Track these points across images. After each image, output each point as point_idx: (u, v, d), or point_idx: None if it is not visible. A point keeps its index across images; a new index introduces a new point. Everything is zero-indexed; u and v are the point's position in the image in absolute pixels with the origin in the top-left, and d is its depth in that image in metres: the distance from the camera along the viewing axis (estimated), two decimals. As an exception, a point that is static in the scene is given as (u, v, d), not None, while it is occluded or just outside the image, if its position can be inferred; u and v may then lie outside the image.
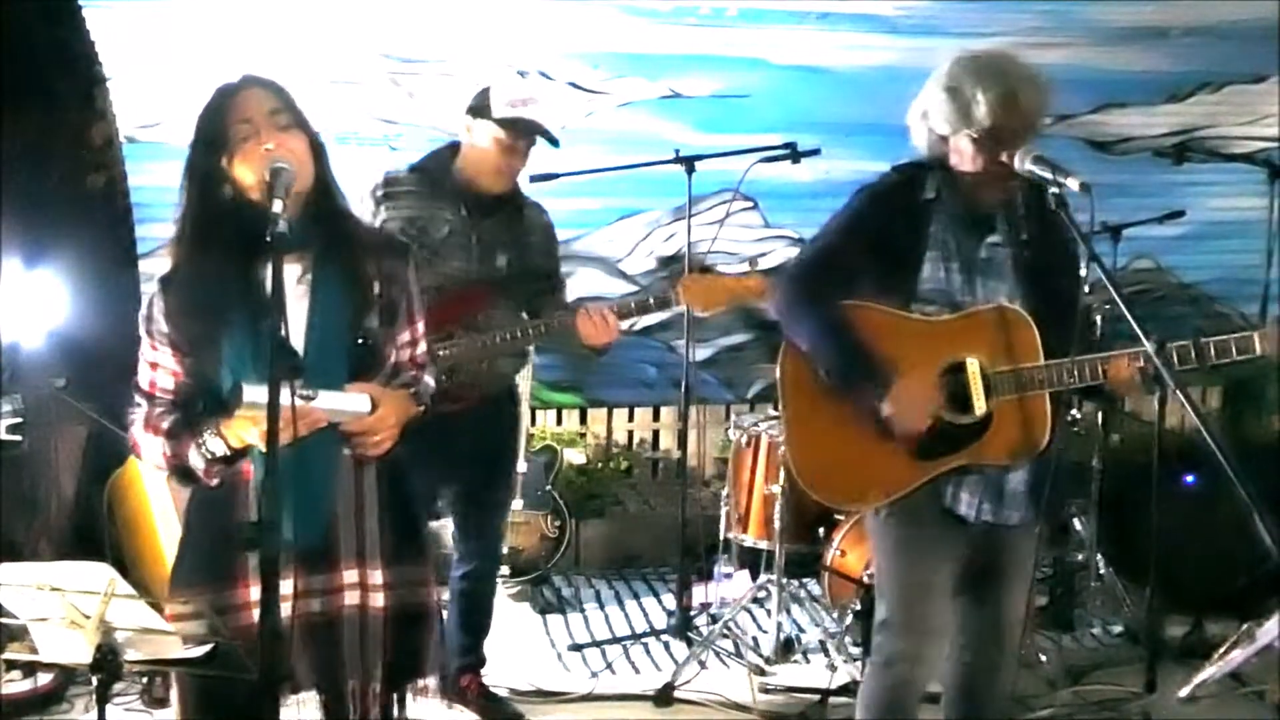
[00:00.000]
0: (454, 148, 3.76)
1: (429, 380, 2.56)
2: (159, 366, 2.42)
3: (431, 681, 2.55)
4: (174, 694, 2.47)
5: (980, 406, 2.83)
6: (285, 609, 2.33)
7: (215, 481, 2.39)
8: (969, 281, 2.86)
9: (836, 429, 2.91)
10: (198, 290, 2.36)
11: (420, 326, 2.56)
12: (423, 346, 2.58)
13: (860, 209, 2.94)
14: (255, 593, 2.19)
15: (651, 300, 3.81)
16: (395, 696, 2.51)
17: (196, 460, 2.36)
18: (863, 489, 2.96)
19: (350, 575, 2.43)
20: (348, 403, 2.30)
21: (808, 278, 2.96)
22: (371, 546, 2.45)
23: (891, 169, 2.97)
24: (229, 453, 2.34)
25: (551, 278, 3.91)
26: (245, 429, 2.29)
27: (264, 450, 2.19)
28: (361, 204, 3.57)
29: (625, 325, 3.83)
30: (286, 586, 2.33)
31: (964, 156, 2.82)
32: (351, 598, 2.43)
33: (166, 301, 2.38)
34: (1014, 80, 2.73)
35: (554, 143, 3.74)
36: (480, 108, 3.66)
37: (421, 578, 2.53)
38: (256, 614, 2.13)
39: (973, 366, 2.83)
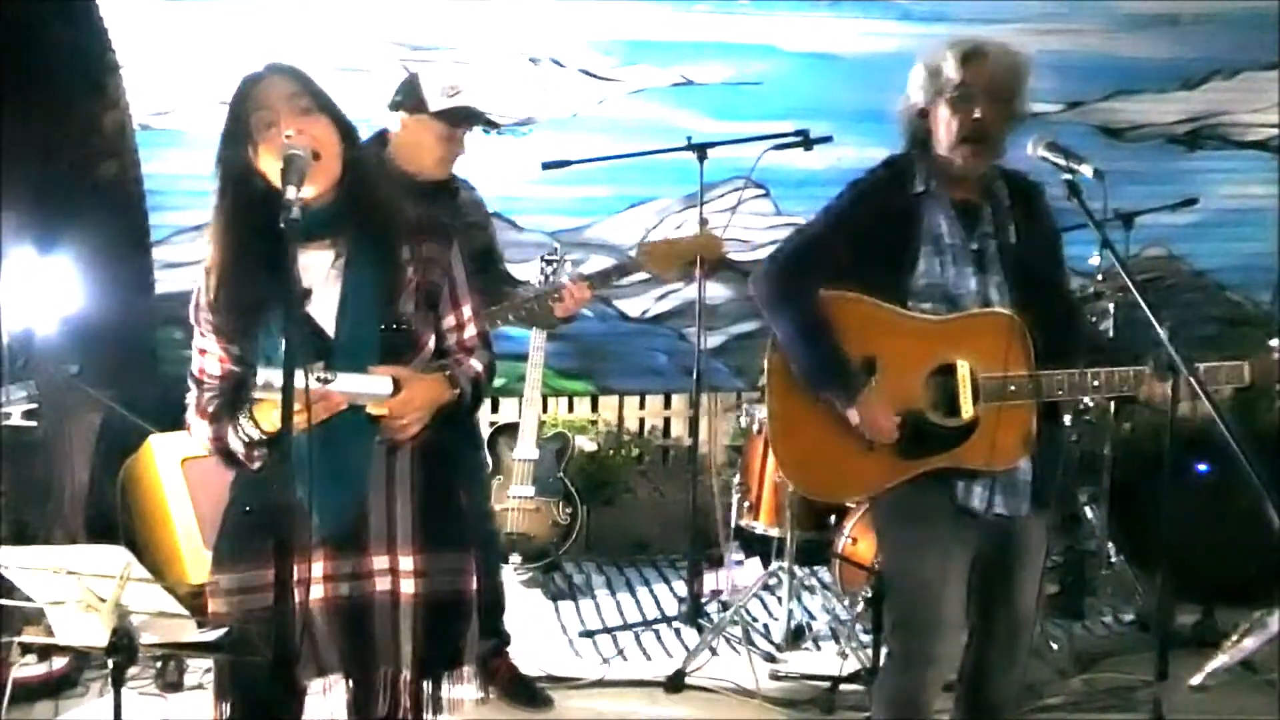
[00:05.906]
0: (381, 137, 3.70)
1: (475, 364, 2.52)
2: (206, 353, 2.46)
3: (468, 670, 2.53)
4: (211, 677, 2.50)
5: (967, 410, 2.82)
6: (316, 592, 2.37)
7: (257, 465, 2.42)
8: (963, 274, 2.85)
9: (820, 422, 2.91)
10: (235, 277, 2.38)
11: (466, 310, 2.53)
12: (471, 330, 2.54)
13: (849, 206, 2.94)
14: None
15: (615, 270, 3.92)
16: (431, 684, 2.49)
17: (236, 444, 2.40)
18: (843, 485, 3.07)
19: (380, 561, 2.42)
20: (368, 385, 2.30)
21: (789, 270, 2.95)
22: (404, 532, 2.44)
23: (881, 164, 2.96)
24: (262, 436, 2.36)
25: (492, 253, 3.90)
26: (272, 412, 2.29)
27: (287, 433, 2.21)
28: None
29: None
30: (317, 570, 2.37)
31: (941, 125, 2.82)
32: (382, 584, 2.43)
33: (208, 289, 2.42)
34: (985, 45, 2.82)
35: (492, 128, 3.74)
36: (413, 102, 3.65)
37: (460, 565, 2.51)
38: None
39: (963, 370, 2.82)
